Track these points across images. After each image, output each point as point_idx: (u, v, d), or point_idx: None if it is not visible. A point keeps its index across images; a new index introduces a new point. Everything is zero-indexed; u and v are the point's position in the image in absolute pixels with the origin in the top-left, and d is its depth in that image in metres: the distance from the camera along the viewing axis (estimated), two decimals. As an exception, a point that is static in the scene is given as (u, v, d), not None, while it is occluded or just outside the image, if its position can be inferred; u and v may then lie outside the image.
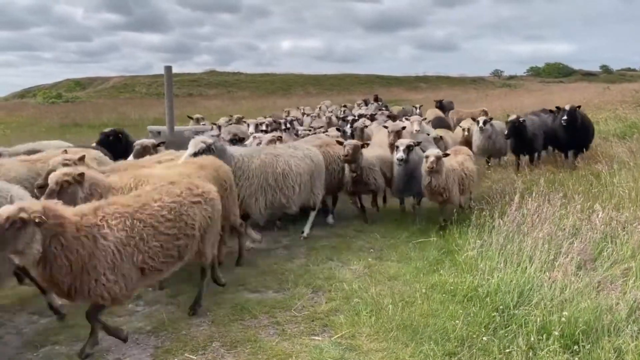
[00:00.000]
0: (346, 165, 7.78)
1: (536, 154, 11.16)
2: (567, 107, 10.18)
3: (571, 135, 10.21)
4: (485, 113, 18.98)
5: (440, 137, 9.50)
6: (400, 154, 7.42)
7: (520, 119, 10.32)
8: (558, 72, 64.21)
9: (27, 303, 5.26)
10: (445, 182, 7.05)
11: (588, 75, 62.06)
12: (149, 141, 7.53)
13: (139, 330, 4.65)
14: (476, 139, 10.89)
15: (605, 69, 68.26)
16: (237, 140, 8.81)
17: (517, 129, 10.17)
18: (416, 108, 17.65)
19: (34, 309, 5.13)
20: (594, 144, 11.44)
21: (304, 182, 7.10)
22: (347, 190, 8.06)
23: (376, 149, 8.47)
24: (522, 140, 10.41)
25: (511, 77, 62.76)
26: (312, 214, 7.64)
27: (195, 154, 5.99)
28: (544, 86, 48.88)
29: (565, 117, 9.99)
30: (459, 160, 7.79)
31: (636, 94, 22.95)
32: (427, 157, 6.95)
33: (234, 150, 6.73)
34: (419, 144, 7.84)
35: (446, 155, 7.14)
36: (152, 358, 4.20)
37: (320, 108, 20.08)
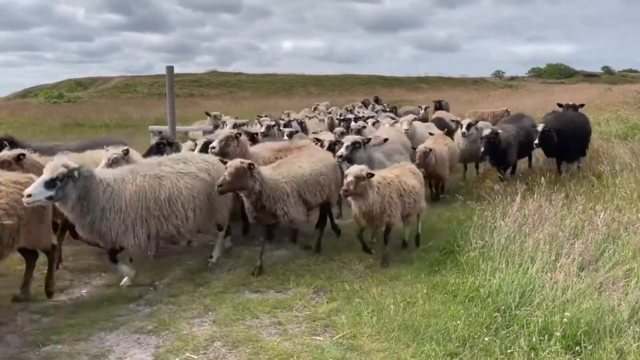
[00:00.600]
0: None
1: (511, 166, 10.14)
2: (539, 128, 9.13)
3: (551, 148, 9.41)
4: (508, 113, 18.42)
5: (430, 150, 8.35)
6: (340, 150, 6.39)
7: (495, 132, 9.26)
8: (560, 73, 64.15)
9: (29, 302, 5.26)
10: (378, 205, 5.93)
11: (590, 76, 61.98)
12: (9, 154, 5.94)
13: (140, 330, 4.65)
14: (460, 143, 10.08)
15: (607, 70, 68.18)
16: (166, 144, 7.49)
17: (492, 145, 9.13)
18: (421, 109, 17.43)
19: (35, 308, 5.13)
20: (596, 145, 11.42)
21: (200, 206, 5.83)
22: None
23: (312, 162, 6.52)
24: (497, 154, 9.42)
25: (513, 78, 62.70)
26: (220, 236, 6.51)
27: (51, 181, 4.77)
28: (545, 87, 48.86)
29: (537, 142, 9.18)
30: (396, 172, 6.51)
31: (638, 95, 22.95)
32: (345, 176, 5.80)
33: (106, 174, 5.41)
34: (368, 140, 6.92)
35: (371, 175, 5.79)
36: (153, 357, 4.20)
37: (315, 109, 19.34)
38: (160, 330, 4.63)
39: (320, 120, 14.98)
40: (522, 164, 10.91)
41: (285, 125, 11.70)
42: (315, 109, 19.58)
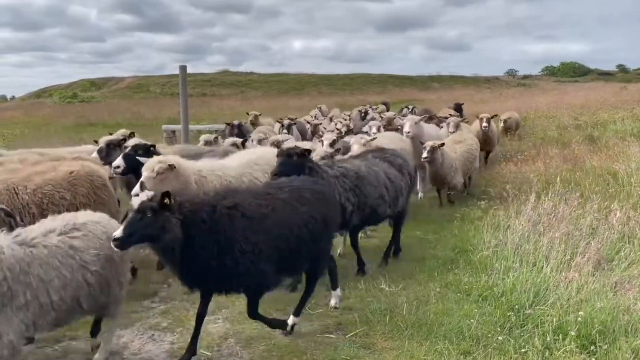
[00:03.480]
0: None
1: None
2: None
3: None
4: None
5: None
6: None
7: None
8: (573, 72, 63.61)
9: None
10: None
11: (604, 75, 61.35)
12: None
13: (154, 327, 4.70)
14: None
15: (622, 69, 67.47)
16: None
17: None
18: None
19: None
20: (612, 143, 11.27)
21: None
22: None
23: None
24: None
25: (526, 77, 62.27)
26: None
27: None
28: (559, 85, 48.43)
29: None
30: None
31: (654, 93, 22.63)
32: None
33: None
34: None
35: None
36: (167, 354, 4.23)
37: (314, 114, 17.37)
38: (174, 327, 4.67)
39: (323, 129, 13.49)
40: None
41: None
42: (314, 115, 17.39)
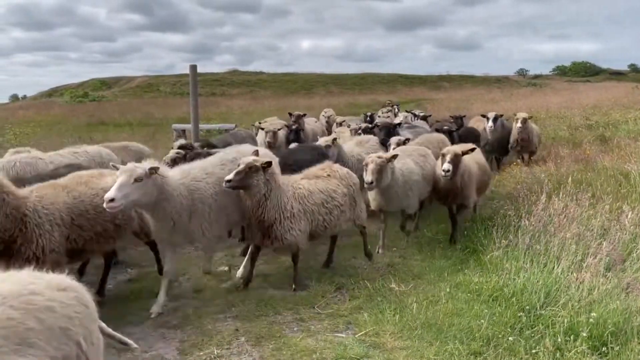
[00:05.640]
0: None
1: None
2: None
3: None
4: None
5: None
6: None
7: None
8: (585, 71, 63.17)
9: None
10: None
11: (616, 75, 60.83)
12: None
13: (165, 325, 4.73)
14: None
15: (634, 68, 66.85)
16: None
17: None
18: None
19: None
20: (624, 143, 11.17)
21: None
22: None
23: None
24: None
25: (536, 76, 61.89)
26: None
27: None
28: (570, 85, 48.05)
29: None
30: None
31: (667, 93, 22.39)
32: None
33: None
34: None
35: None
36: (178, 352, 4.26)
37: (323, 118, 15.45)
38: (184, 325, 4.70)
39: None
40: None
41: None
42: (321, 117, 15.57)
